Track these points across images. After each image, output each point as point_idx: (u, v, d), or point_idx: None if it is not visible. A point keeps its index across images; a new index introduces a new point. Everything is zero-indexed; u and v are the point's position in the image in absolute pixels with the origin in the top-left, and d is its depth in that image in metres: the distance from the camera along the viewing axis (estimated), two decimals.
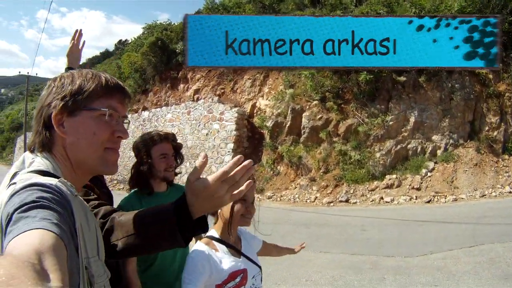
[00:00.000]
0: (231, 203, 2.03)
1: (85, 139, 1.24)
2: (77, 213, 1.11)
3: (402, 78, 13.40)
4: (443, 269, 6.28)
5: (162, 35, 23.35)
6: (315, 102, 14.89)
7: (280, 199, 14.45)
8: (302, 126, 15.23)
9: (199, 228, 1.38)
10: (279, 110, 16.10)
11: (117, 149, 1.33)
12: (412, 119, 13.57)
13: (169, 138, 2.86)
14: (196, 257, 2.07)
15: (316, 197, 13.52)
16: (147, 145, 2.80)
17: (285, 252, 3.00)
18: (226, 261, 2.12)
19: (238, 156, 1.32)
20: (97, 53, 72.28)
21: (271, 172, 16.11)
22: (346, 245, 7.97)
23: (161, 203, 2.37)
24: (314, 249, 7.77)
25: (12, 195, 1.02)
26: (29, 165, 1.22)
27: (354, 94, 14.10)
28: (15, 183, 1.10)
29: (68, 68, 2.70)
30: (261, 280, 2.31)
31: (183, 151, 12.74)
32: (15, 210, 0.95)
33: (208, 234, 2.21)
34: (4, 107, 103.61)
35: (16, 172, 1.21)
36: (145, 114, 22.51)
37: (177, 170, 2.99)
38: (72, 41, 2.92)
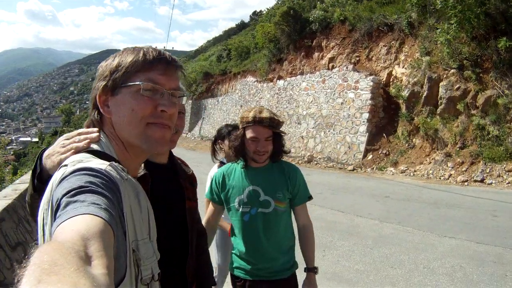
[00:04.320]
0: None
1: (125, 117, 1.24)
2: (125, 197, 1.10)
3: None
4: None
5: (294, 5, 23.42)
6: (452, 70, 13.79)
7: (414, 174, 13.93)
8: (439, 97, 14.27)
9: None
10: (415, 79, 15.31)
11: (163, 124, 1.27)
12: None
13: (264, 122, 2.72)
14: None
15: (451, 175, 12.74)
16: (243, 124, 2.80)
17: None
18: None
19: None
20: (233, 25, 74.27)
21: (406, 144, 15.56)
22: (473, 231, 7.49)
23: (253, 176, 2.86)
24: (440, 232, 7.49)
25: (61, 180, 1.04)
26: None
27: (494, 62, 12.70)
28: (66, 165, 1.11)
29: None
30: None
31: (319, 120, 13.10)
32: (64, 195, 0.96)
33: None
34: None
35: None
36: (280, 83, 22.98)
37: (286, 149, 2.96)
38: None
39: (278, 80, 23.47)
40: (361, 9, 19.41)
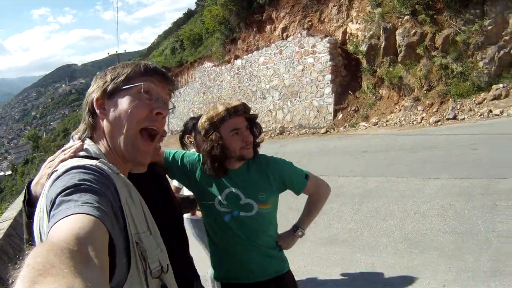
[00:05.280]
0: None
1: (120, 119, 1.27)
2: (121, 190, 1.12)
3: None
4: None
5: None
6: (406, 17, 13.76)
7: (386, 124, 13.95)
8: (397, 45, 14.27)
9: None
10: (371, 32, 15.23)
11: (154, 131, 1.33)
12: (511, 21, 11.84)
13: (239, 110, 2.41)
14: None
15: (423, 117, 12.80)
16: (215, 124, 2.40)
17: None
18: None
19: None
20: (180, 15, 72.74)
21: (374, 97, 15.54)
22: (456, 168, 7.46)
23: (231, 177, 2.48)
24: (423, 176, 7.44)
25: (55, 180, 1.04)
26: None
27: (445, 2, 12.63)
28: (56, 169, 1.12)
29: None
30: None
31: (283, 91, 12.80)
32: (58, 194, 0.96)
33: None
34: None
35: None
36: (238, 62, 22.63)
37: (258, 140, 2.57)
38: None
39: (235, 60, 23.10)
40: None
